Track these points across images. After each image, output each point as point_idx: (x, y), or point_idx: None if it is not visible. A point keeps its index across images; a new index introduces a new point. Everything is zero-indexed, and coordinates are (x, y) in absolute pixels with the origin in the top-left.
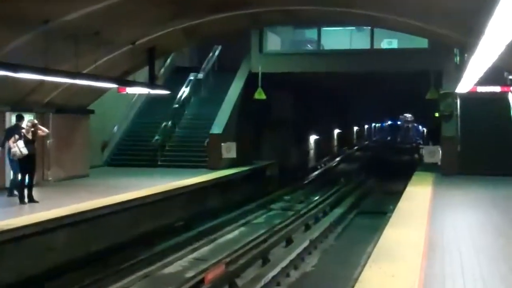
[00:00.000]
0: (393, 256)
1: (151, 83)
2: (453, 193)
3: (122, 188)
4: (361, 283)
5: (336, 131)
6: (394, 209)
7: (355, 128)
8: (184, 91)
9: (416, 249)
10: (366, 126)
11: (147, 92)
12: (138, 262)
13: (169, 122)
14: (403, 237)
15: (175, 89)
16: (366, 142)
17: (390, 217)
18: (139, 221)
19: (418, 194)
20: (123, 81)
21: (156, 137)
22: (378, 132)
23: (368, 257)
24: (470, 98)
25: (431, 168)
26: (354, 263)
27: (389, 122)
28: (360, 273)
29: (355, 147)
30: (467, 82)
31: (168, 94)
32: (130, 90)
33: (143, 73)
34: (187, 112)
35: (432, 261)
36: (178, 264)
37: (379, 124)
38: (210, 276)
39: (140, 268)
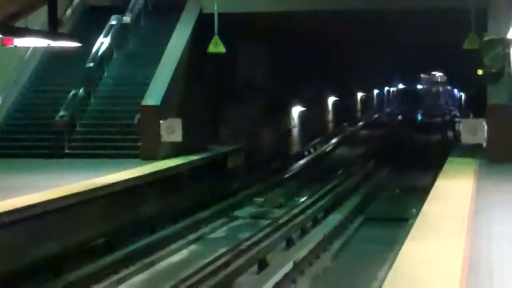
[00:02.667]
0: (417, 285)
1: (53, 31)
2: (505, 190)
3: (9, 190)
4: None
5: (332, 99)
6: (417, 214)
7: (360, 95)
8: (103, 42)
9: (450, 273)
10: (376, 92)
11: (46, 45)
12: None
13: (81, 90)
14: (430, 256)
15: (88, 39)
16: (377, 115)
17: (412, 225)
18: (36, 240)
19: (453, 192)
20: (9, 29)
21: (62, 113)
22: (393, 101)
23: (380, 285)
24: None
25: (472, 152)
26: None
27: (401, 86)
28: None
29: (360, 123)
30: None
31: (79, 47)
32: (20, 42)
33: (40, 17)
34: (107, 75)
35: None
36: None
37: (395, 89)
38: None
39: None
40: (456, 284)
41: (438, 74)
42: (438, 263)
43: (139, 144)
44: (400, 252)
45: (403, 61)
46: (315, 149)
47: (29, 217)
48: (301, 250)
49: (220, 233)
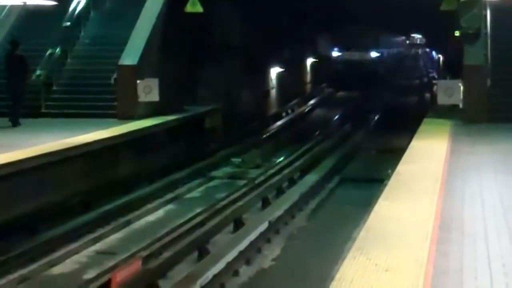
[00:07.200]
0: (388, 242)
1: None
2: (479, 150)
3: None
4: (339, 281)
5: (310, 60)
6: (392, 174)
7: None
8: (80, 1)
9: (422, 232)
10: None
11: (22, 3)
12: (12, 258)
13: (58, 49)
14: (403, 215)
15: None
16: None
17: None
18: (13, 198)
19: (427, 152)
20: None
21: (38, 72)
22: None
23: (353, 243)
24: (507, 9)
25: (448, 113)
26: (333, 253)
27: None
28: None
29: None
30: None
31: (55, 5)
32: None
33: None
34: (84, 34)
35: (445, 250)
36: (74, 260)
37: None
38: (119, 276)
39: (17, 268)
40: (426, 240)
41: (417, 36)
42: (410, 221)
43: (115, 104)
44: (373, 211)
45: (382, 22)
46: (293, 110)
47: (5, 176)
48: (277, 210)
49: (196, 193)
